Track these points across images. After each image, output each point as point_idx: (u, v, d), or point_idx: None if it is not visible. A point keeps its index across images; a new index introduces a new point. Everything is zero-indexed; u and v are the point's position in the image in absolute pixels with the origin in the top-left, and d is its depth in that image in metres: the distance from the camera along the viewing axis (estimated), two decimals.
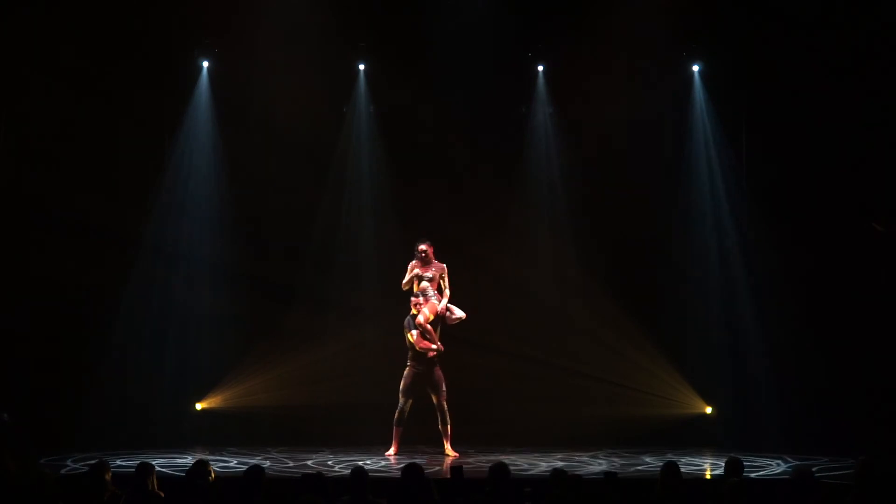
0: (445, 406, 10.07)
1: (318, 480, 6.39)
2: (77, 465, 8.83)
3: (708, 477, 8.85)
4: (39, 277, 11.13)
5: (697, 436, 11.72)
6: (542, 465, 9.50)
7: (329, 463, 9.48)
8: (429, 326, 10.04)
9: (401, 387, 10.14)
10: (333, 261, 12.23)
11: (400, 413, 10.13)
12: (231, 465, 9.30)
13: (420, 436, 10.64)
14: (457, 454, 10.03)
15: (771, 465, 9.51)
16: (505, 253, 12.11)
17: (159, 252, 11.89)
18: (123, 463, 9.10)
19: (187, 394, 11.79)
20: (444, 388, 10.09)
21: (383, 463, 9.61)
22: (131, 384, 11.48)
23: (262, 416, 11.69)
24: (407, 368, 10.15)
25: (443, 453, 10.10)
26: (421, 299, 10.10)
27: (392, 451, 10.09)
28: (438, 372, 10.13)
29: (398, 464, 9.44)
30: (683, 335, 12.11)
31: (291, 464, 9.45)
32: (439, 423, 10.13)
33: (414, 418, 10.26)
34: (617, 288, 11.89)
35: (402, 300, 10.28)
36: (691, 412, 11.97)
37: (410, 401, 10.13)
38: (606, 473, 6.43)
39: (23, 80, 11.32)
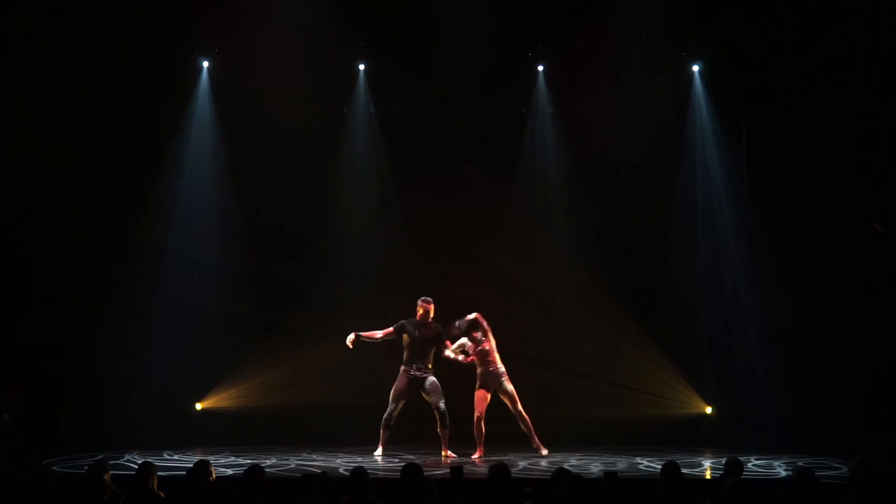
0: (444, 408, 10.04)
1: (318, 481, 6.39)
2: (77, 466, 8.82)
3: (708, 477, 8.85)
4: (39, 277, 11.15)
5: (697, 436, 11.74)
6: (543, 464, 9.50)
7: (318, 460, 9.47)
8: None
9: (392, 390, 10.14)
10: (333, 260, 12.23)
11: (388, 416, 10.11)
12: (231, 464, 9.29)
13: (416, 438, 10.64)
14: (455, 457, 10.04)
15: (770, 464, 9.51)
16: (505, 252, 12.12)
17: (159, 252, 11.90)
18: (123, 463, 9.11)
19: (187, 394, 11.80)
20: (441, 392, 10.07)
21: (381, 463, 9.62)
22: (132, 384, 11.49)
23: (262, 416, 11.69)
24: (401, 373, 10.16)
25: (441, 455, 10.10)
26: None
27: (378, 451, 10.09)
28: (432, 377, 10.13)
29: (393, 463, 9.45)
30: (684, 335, 12.10)
31: (291, 464, 9.45)
32: (438, 426, 10.11)
33: (412, 420, 10.26)
34: (617, 287, 11.89)
35: (400, 299, 10.25)
36: (691, 412, 11.98)
37: (401, 404, 10.12)
38: (606, 473, 6.42)
39: (23, 80, 11.32)
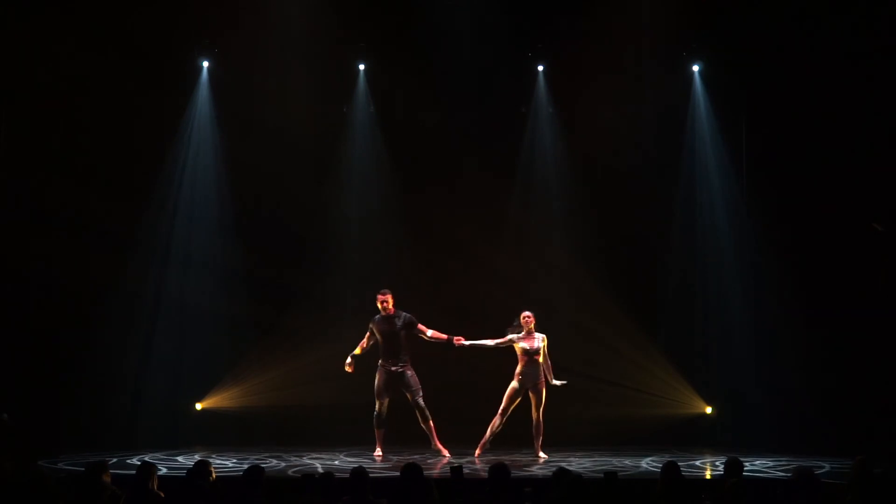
0: (422, 403, 10.08)
1: (318, 481, 6.39)
2: (77, 465, 8.81)
3: (708, 477, 8.85)
4: (39, 277, 11.15)
5: (697, 436, 11.74)
6: (542, 464, 9.50)
7: (317, 465, 9.47)
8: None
9: (375, 389, 10.16)
10: (333, 261, 12.22)
11: (378, 414, 10.15)
12: (231, 465, 9.29)
13: (416, 438, 10.65)
14: (446, 452, 10.05)
15: (770, 465, 9.51)
16: (505, 252, 12.11)
17: (159, 252, 11.90)
18: (122, 463, 9.11)
19: (187, 394, 11.80)
20: (419, 387, 10.09)
21: (379, 464, 9.62)
22: (131, 384, 11.51)
23: (262, 417, 11.69)
24: (378, 370, 10.17)
25: (435, 452, 10.11)
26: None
27: (378, 452, 10.11)
28: (410, 371, 10.14)
29: (392, 463, 9.46)
30: (684, 335, 12.11)
31: (291, 464, 9.46)
32: (420, 421, 10.15)
33: (413, 419, 10.27)
34: (617, 287, 11.89)
35: (399, 300, 10.24)
36: (691, 412, 11.98)
37: (387, 401, 10.14)
38: (606, 473, 6.41)
39: (23, 79, 11.31)
